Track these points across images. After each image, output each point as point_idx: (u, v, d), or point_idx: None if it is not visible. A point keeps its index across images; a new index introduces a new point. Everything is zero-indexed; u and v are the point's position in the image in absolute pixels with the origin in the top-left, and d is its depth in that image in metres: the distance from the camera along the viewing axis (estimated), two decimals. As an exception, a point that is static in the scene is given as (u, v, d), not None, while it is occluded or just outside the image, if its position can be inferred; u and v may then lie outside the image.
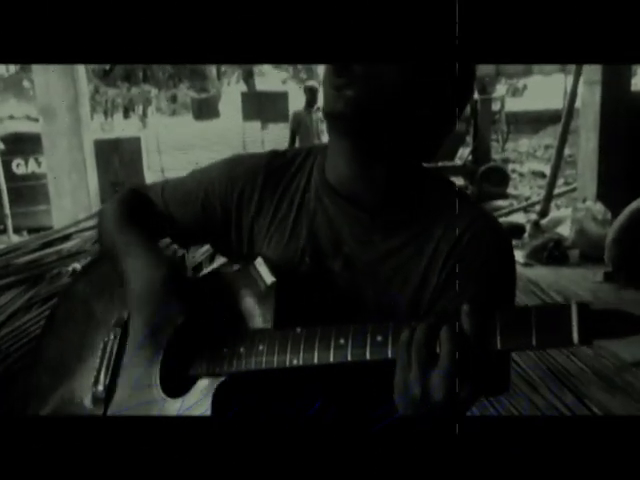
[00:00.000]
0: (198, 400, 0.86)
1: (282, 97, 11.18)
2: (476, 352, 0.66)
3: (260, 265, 0.88)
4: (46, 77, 4.83)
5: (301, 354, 0.78)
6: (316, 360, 0.76)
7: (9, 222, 5.50)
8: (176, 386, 0.90)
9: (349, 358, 0.74)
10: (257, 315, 0.86)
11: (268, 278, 0.87)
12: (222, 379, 0.85)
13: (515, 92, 17.67)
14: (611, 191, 4.91)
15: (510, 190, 7.50)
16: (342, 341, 0.75)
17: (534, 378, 2.51)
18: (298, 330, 0.79)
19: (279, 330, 0.82)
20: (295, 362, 0.78)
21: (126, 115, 16.55)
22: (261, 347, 0.81)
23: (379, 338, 0.73)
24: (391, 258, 0.89)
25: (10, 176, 5.81)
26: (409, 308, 0.88)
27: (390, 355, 0.72)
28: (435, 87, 0.84)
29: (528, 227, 4.93)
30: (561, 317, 0.62)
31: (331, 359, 0.75)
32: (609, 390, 2.41)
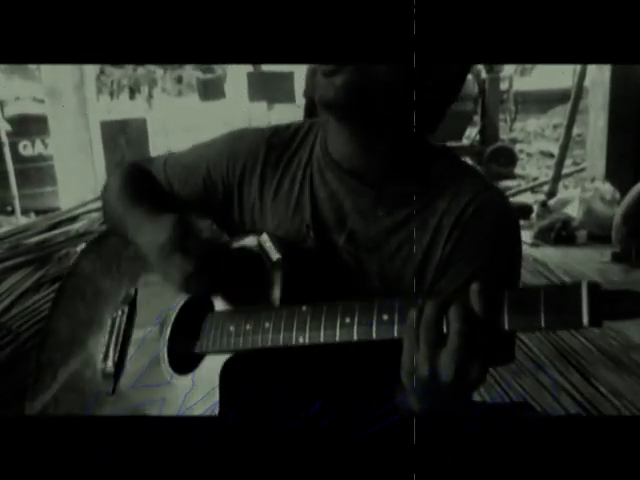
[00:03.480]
0: (204, 379, 0.86)
1: (288, 77, 11.09)
2: (484, 331, 0.65)
3: (265, 242, 0.88)
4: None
5: (307, 332, 0.77)
6: (322, 339, 0.76)
7: (17, 203, 5.51)
8: (183, 363, 0.91)
9: (355, 337, 0.73)
10: (263, 292, 0.86)
11: (274, 255, 0.87)
12: (229, 357, 0.85)
13: (523, 71, 17.47)
14: (620, 171, 4.86)
15: (518, 170, 7.45)
16: (348, 320, 0.74)
17: (540, 356, 2.51)
18: (304, 308, 0.79)
19: (285, 307, 0.82)
20: (301, 340, 0.77)
21: (132, 96, 16.49)
22: (267, 324, 0.81)
23: (385, 317, 0.71)
24: (395, 232, 0.89)
25: (17, 158, 5.81)
26: (414, 281, 0.88)
27: (396, 334, 0.70)
28: (427, 65, 0.82)
29: (536, 207, 4.90)
30: (571, 298, 0.60)
31: (337, 338, 0.74)
32: (616, 369, 2.42)
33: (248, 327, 0.83)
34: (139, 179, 1.06)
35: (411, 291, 0.87)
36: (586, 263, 3.88)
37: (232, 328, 0.85)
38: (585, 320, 0.59)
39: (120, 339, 0.99)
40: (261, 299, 0.86)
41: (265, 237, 0.89)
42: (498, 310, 0.64)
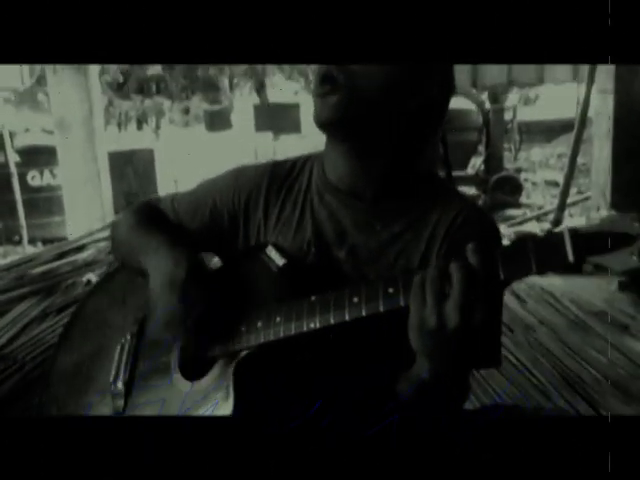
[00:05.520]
0: (218, 379, 0.89)
1: (294, 109, 11.23)
2: (483, 282, 0.73)
3: (270, 251, 0.94)
4: (61, 90, 4.89)
5: (317, 317, 0.82)
6: (332, 320, 0.81)
7: (24, 233, 5.55)
8: (195, 370, 0.94)
9: (364, 313, 0.79)
10: (270, 296, 0.91)
11: (279, 260, 0.93)
12: (242, 355, 0.89)
13: (527, 101, 17.60)
14: (625, 200, 4.87)
15: (523, 199, 7.46)
16: (356, 299, 0.80)
17: (546, 385, 2.49)
18: (313, 298, 0.84)
19: (294, 301, 0.87)
20: (312, 325, 0.83)
21: (139, 127, 16.68)
22: (278, 318, 0.86)
23: (390, 290, 0.78)
24: (392, 244, 0.96)
25: (25, 188, 5.87)
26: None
27: (402, 303, 0.77)
28: (415, 86, 0.90)
29: (541, 236, 4.90)
30: (556, 242, 0.69)
31: (347, 317, 0.80)
32: (624, 399, 2.39)
33: (260, 324, 0.88)
34: (151, 214, 1.11)
35: None
36: (593, 292, 3.86)
37: (244, 328, 0.90)
38: (571, 258, 0.68)
39: (130, 360, 1.01)
40: (269, 303, 0.90)
41: (270, 247, 0.95)
42: (493, 262, 0.73)
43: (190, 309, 0.91)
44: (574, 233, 0.69)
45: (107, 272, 1.24)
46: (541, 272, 0.70)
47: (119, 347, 1.03)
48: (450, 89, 0.97)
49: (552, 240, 0.70)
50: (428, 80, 0.91)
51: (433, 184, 1.02)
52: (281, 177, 1.05)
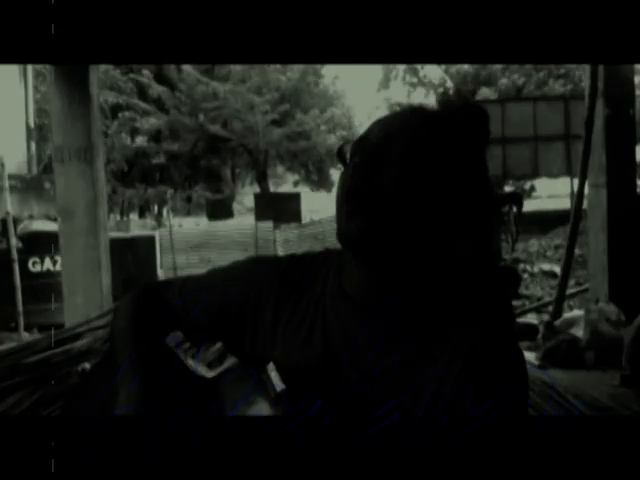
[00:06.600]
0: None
1: (294, 198, 11.47)
2: None
3: (271, 371, 0.89)
4: (67, 179, 5.01)
5: None
6: None
7: (21, 320, 5.52)
8: None
9: None
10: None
11: (278, 385, 0.88)
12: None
13: (523, 193, 17.99)
14: (623, 292, 4.88)
15: (522, 290, 7.48)
16: None
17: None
18: None
19: None
20: None
21: (142, 214, 16.94)
22: None
23: None
24: (406, 368, 0.90)
25: (25, 274, 5.90)
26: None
27: None
28: (447, 208, 0.88)
29: (541, 328, 4.87)
30: None
31: None
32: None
33: None
34: (148, 307, 1.07)
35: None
36: (595, 386, 3.79)
37: None
38: None
39: None
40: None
41: (271, 366, 0.90)
42: None
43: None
44: None
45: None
46: None
47: None
48: (488, 201, 0.93)
49: None
50: (465, 196, 0.89)
51: (456, 302, 0.94)
52: (295, 277, 1.02)
